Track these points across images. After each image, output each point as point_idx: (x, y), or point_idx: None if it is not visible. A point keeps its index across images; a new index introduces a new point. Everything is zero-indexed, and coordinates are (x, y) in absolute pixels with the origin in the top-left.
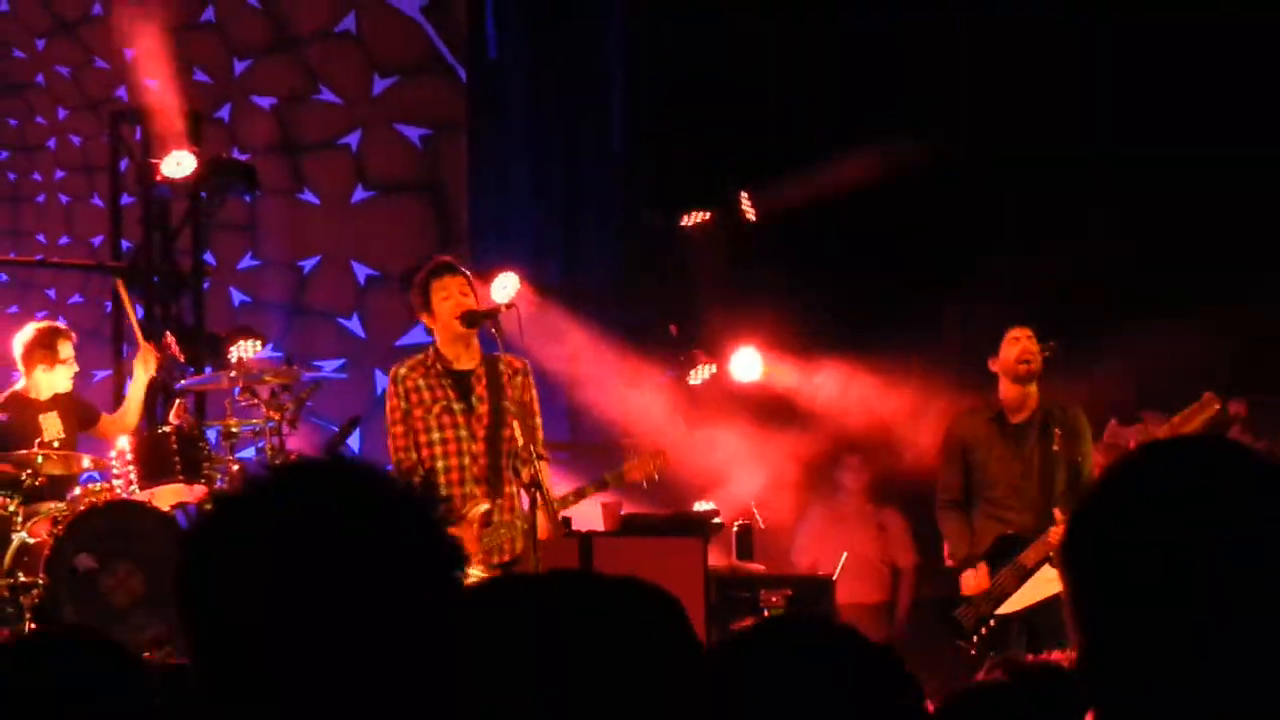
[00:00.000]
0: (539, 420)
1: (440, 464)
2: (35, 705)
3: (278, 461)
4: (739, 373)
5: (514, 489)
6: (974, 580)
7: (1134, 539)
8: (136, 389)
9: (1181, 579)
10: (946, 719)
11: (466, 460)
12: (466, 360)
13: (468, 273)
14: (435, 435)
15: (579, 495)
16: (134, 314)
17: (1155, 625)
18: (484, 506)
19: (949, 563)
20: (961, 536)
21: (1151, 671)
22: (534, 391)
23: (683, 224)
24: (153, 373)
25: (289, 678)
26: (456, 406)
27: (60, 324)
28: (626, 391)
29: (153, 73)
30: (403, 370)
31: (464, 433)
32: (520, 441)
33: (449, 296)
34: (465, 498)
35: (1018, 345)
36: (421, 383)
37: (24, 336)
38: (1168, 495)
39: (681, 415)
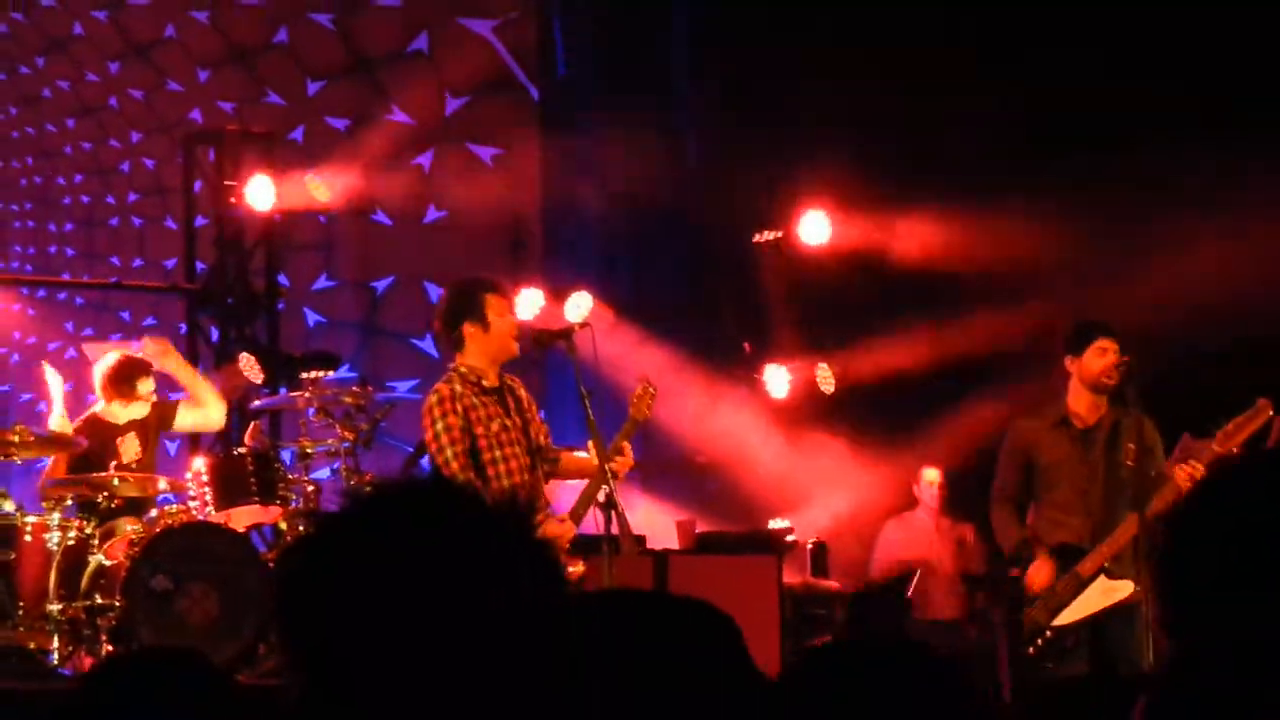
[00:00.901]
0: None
1: (507, 482)
2: None
3: (359, 482)
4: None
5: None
6: (1041, 575)
7: (1240, 540)
8: (190, 380)
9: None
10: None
11: (527, 476)
12: (494, 378)
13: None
14: (498, 453)
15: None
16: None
17: (1254, 622)
18: (567, 524)
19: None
20: (1017, 529)
21: (1249, 671)
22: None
23: (754, 241)
24: (175, 355)
25: (392, 700)
26: (508, 422)
27: (141, 357)
28: (701, 408)
29: (226, 95)
30: (457, 388)
31: (519, 449)
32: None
33: (505, 314)
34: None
35: (1105, 357)
36: (475, 401)
37: (105, 365)
38: (1264, 501)
39: (756, 432)
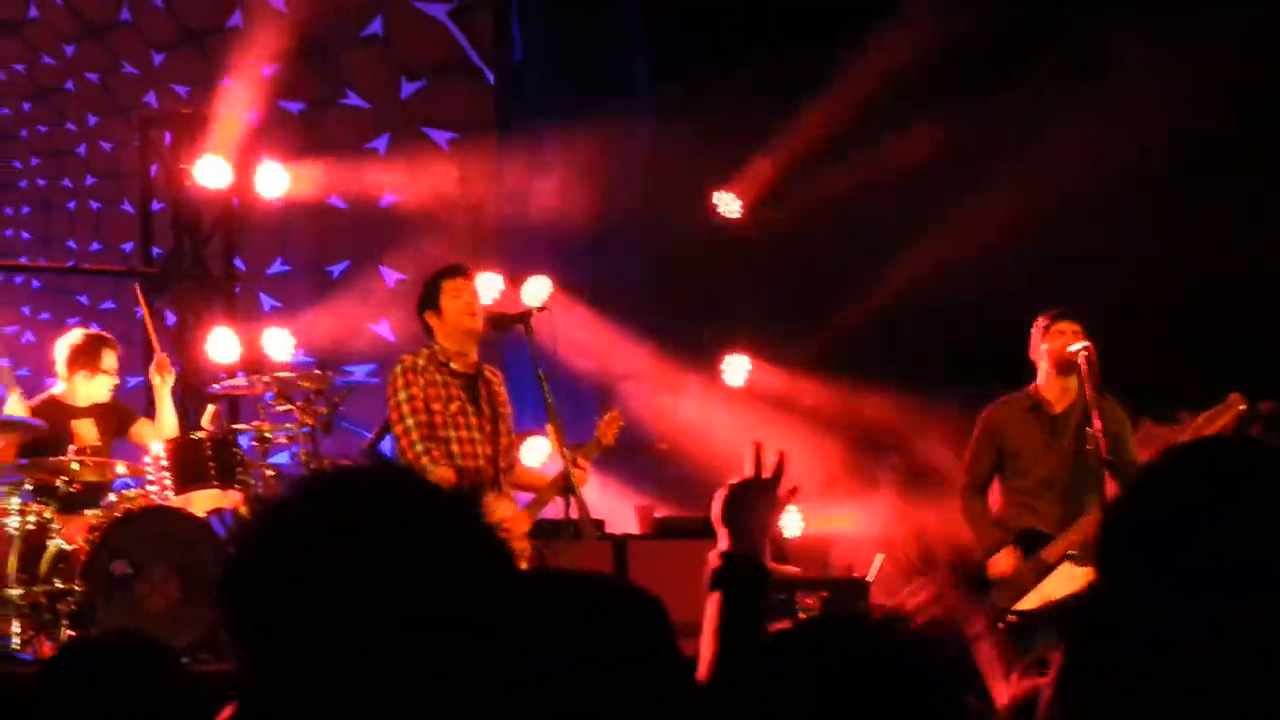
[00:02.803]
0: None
1: (459, 464)
2: (87, 710)
3: (314, 466)
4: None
5: (509, 494)
6: (1005, 562)
7: (1162, 541)
8: (163, 404)
9: (1202, 577)
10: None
11: (482, 462)
12: (465, 365)
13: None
14: (453, 434)
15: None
16: (151, 322)
17: (1175, 622)
18: (508, 507)
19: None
20: (987, 524)
21: (1169, 670)
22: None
23: (712, 225)
24: (170, 382)
25: (334, 683)
26: (469, 408)
27: (106, 333)
28: (659, 395)
29: (181, 78)
30: (420, 362)
31: (478, 434)
32: (506, 447)
33: (459, 296)
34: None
35: (1063, 338)
36: (437, 378)
37: (68, 341)
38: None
39: (715, 417)
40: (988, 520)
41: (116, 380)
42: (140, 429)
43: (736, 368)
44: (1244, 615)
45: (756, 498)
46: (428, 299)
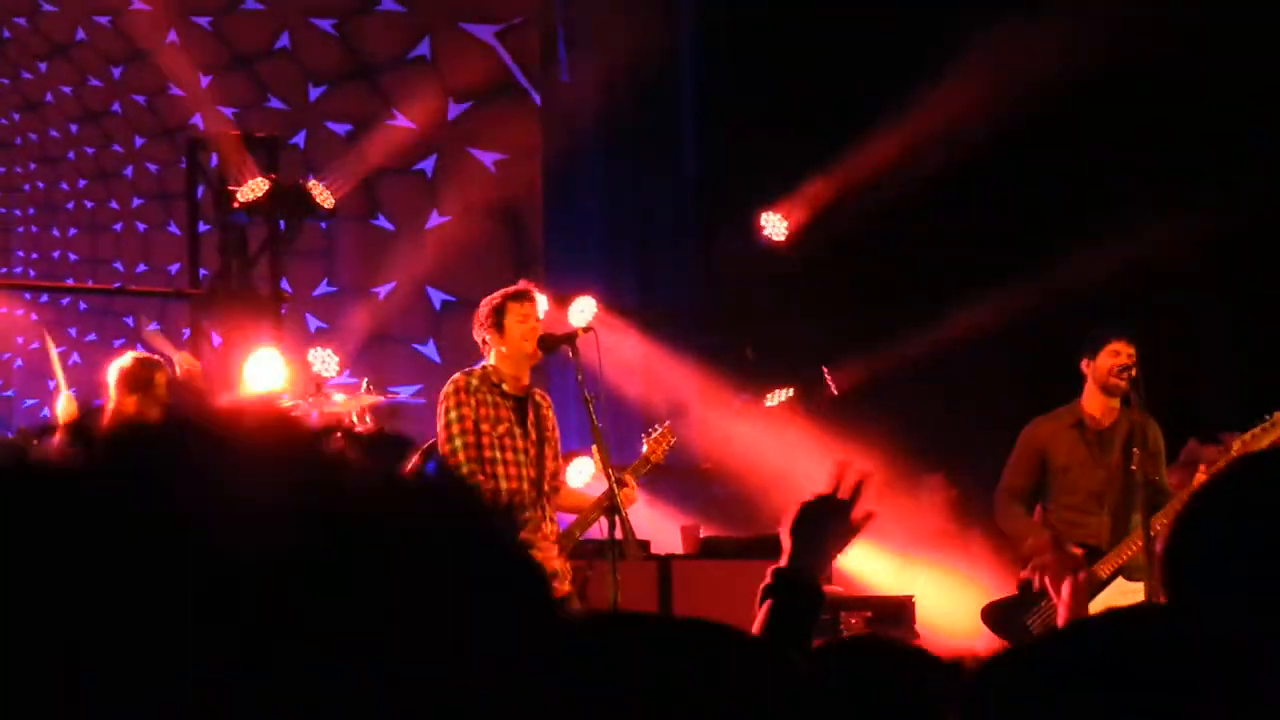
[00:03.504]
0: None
1: (504, 485)
2: None
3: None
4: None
5: (551, 516)
6: (1041, 557)
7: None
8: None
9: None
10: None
11: (525, 485)
12: (517, 388)
13: (542, 300)
14: (498, 455)
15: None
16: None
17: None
18: (549, 529)
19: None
20: (1029, 526)
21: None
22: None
23: (757, 246)
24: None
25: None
26: (517, 431)
27: (156, 356)
28: (704, 415)
29: (228, 100)
30: (474, 381)
31: (523, 457)
32: (552, 471)
33: (525, 320)
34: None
35: (1116, 359)
36: (489, 399)
37: (120, 364)
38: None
39: (759, 436)
40: (1035, 529)
41: (163, 404)
42: None
43: (783, 384)
44: None
45: (829, 517)
46: (492, 318)
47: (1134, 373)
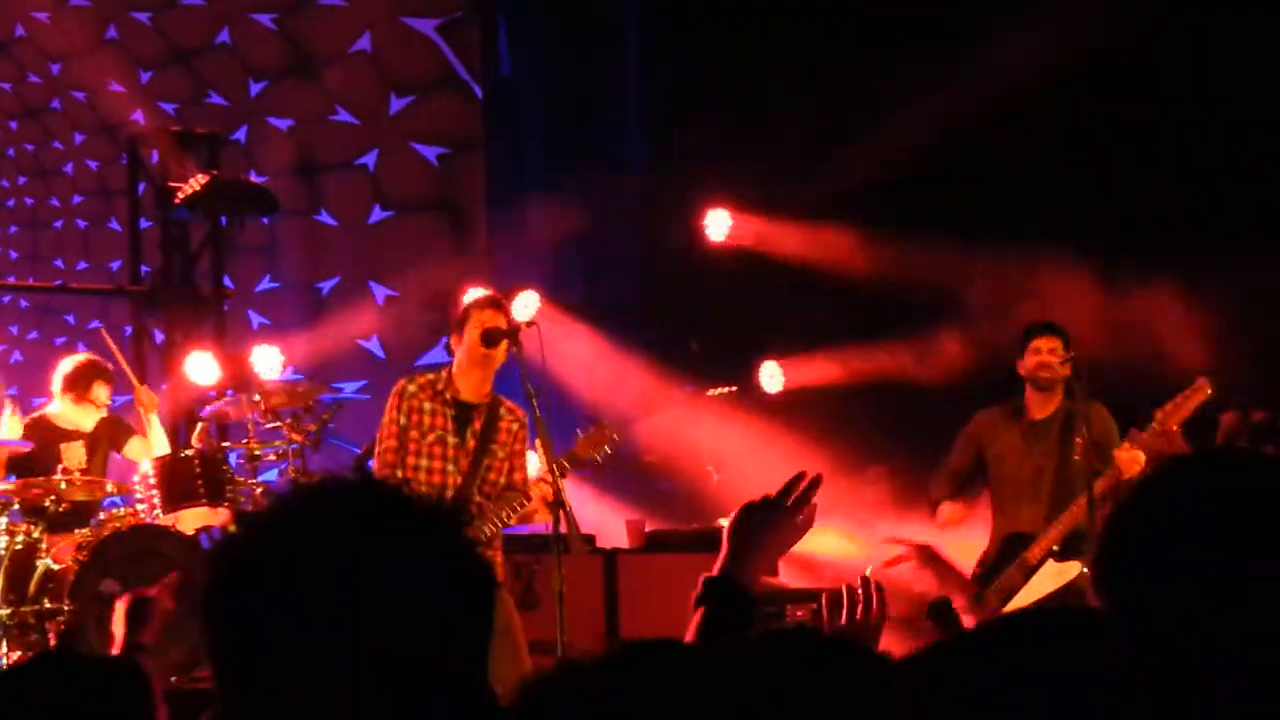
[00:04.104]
0: (524, 474)
1: (423, 489)
2: None
3: (301, 481)
4: (765, 383)
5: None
6: (949, 512)
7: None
8: (152, 430)
9: (1202, 587)
10: None
11: (448, 492)
12: (475, 396)
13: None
14: (422, 461)
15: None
16: (122, 358)
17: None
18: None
19: (939, 523)
20: (947, 486)
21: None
22: (523, 445)
23: (702, 239)
24: (153, 409)
25: (319, 703)
26: (451, 440)
27: (106, 364)
28: (649, 407)
29: (168, 96)
30: (411, 387)
31: (450, 466)
32: (503, 482)
33: (481, 325)
34: None
35: (1038, 356)
36: (426, 405)
37: (67, 365)
38: (1187, 512)
39: (704, 431)
40: (948, 488)
41: (104, 413)
42: (133, 446)
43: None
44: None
45: (772, 518)
46: (456, 324)
47: (1066, 366)
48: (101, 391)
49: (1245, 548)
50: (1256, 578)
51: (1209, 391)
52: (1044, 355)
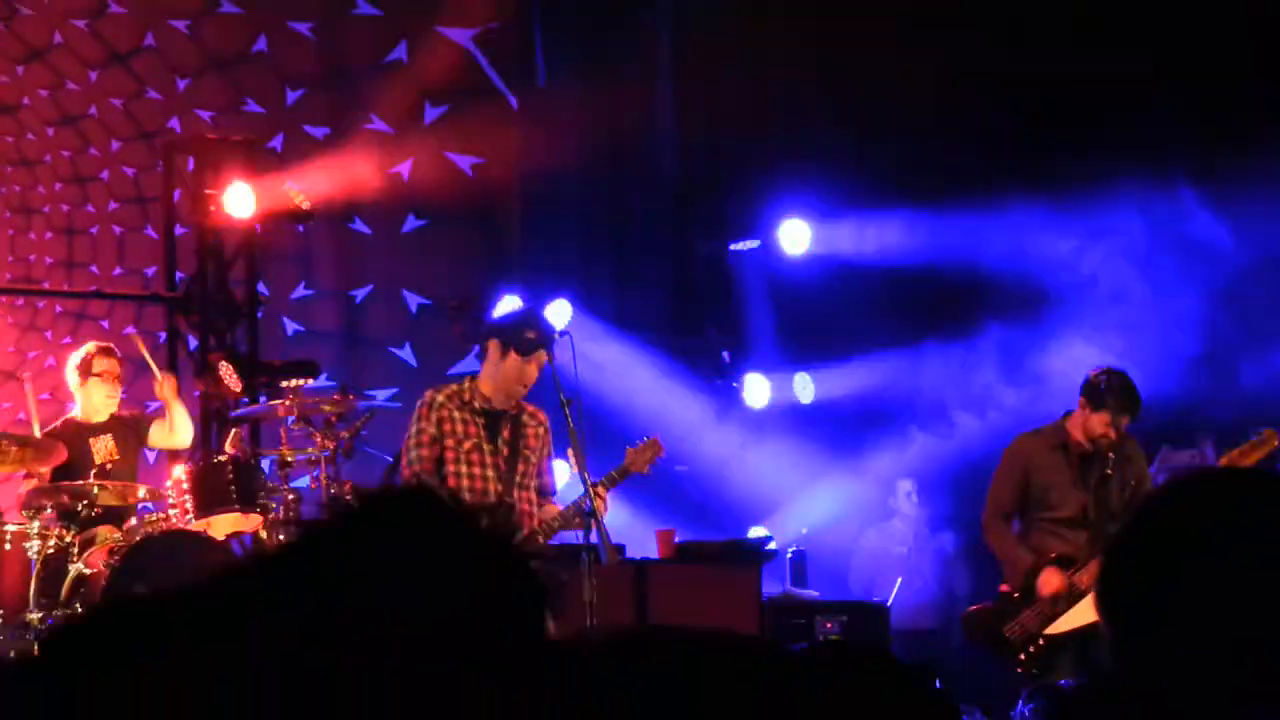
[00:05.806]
0: (551, 477)
1: (467, 496)
2: None
3: (339, 490)
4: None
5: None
6: (1054, 580)
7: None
8: (173, 409)
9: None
10: None
11: (491, 497)
12: (504, 404)
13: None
14: (463, 469)
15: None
16: (151, 359)
17: (1184, 641)
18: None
19: (1008, 583)
20: (1018, 547)
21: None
22: (549, 450)
23: (732, 249)
24: (172, 397)
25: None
26: (486, 446)
27: (104, 343)
28: (681, 418)
29: (205, 103)
30: (440, 398)
31: (490, 473)
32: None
33: (529, 365)
34: None
35: (1107, 431)
36: (456, 415)
37: (73, 358)
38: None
39: (736, 440)
40: (1023, 555)
41: (111, 385)
42: (155, 432)
43: (758, 390)
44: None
45: None
46: (510, 334)
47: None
48: (102, 362)
49: (1240, 563)
50: (1252, 590)
51: (1276, 443)
52: (1111, 434)
